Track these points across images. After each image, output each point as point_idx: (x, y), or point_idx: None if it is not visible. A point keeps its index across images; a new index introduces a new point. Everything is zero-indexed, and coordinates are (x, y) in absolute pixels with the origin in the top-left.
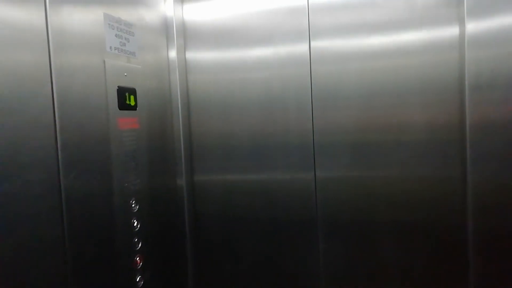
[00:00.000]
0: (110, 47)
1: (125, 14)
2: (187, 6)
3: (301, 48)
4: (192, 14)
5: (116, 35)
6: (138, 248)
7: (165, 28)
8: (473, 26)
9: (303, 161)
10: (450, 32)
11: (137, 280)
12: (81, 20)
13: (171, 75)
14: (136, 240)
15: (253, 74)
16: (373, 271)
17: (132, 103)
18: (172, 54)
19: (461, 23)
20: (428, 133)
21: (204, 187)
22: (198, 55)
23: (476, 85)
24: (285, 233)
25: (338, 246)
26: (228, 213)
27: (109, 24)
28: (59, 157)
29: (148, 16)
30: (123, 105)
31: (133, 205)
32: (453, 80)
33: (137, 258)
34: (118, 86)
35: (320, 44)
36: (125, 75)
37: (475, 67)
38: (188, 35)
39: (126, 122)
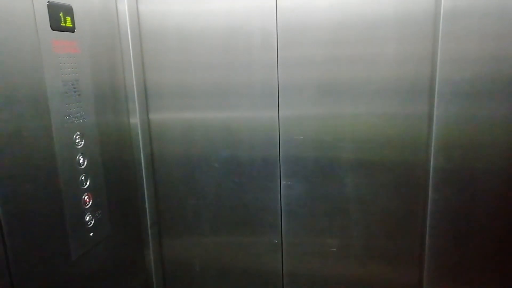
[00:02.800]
0: None
1: None
2: None
3: None
4: None
5: None
6: (85, 187)
7: None
8: None
9: (266, 99)
10: None
11: (87, 219)
12: None
13: (119, 4)
14: (83, 178)
15: (213, 5)
16: (332, 207)
17: (69, 23)
18: None
19: None
20: (397, 69)
21: (161, 125)
22: None
23: (452, 15)
24: (247, 170)
25: (299, 183)
26: (188, 151)
27: None
28: None
29: None
30: (56, 25)
31: (77, 141)
32: (427, 11)
33: (86, 197)
34: (48, 1)
35: None
36: None
37: None
38: None
39: (63, 45)
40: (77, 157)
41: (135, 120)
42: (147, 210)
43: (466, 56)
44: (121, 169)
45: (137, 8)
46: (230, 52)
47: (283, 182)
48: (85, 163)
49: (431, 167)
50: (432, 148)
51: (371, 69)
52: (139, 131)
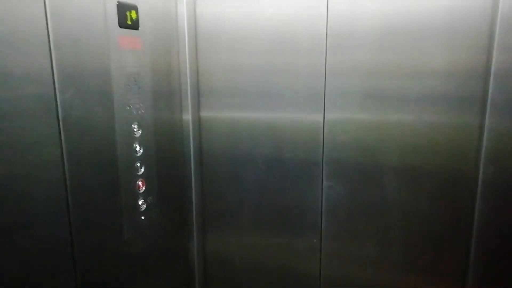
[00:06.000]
0: None
1: None
2: None
3: None
4: None
5: None
6: (140, 173)
7: None
8: None
9: (313, 102)
10: None
11: (140, 204)
12: None
13: (178, 6)
14: (138, 164)
15: (266, 8)
16: (374, 211)
17: (134, 22)
18: None
19: None
20: (448, 79)
21: (211, 123)
22: None
23: (508, 29)
24: (290, 170)
25: (341, 185)
26: (234, 149)
27: None
28: (54, 72)
29: None
30: (123, 23)
31: (135, 130)
32: (482, 23)
33: (139, 183)
34: (118, 1)
35: None
36: None
37: (509, 9)
38: None
39: (127, 41)
40: (134, 145)
41: (187, 116)
42: (194, 203)
43: None
44: (172, 160)
45: (195, 11)
46: (279, 55)
47: (325, 183)
48: (141, 151)
49: (480, 178)
50: (482, 158)
51: (419, 76)
52: (190, 127)
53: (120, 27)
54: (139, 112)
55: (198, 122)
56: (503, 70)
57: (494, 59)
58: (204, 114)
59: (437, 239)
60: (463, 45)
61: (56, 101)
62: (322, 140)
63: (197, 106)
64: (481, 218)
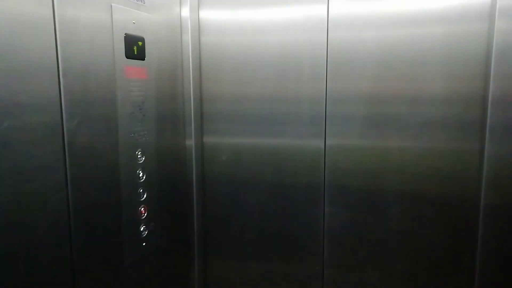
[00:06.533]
0: None
1: None
2: None
3: (318, 10)
4: None
5: None
6: (142, 199)
7: None
8: None
9: (314, 128)
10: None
11: (141, 230)
12: None
13: (183, 35)
14: (141, 190)
15: (268, 38)
16: (376, 238)
17: (140, 52)
18: (185, 12)
19: None
20: (446, 106)
21: (213, 148)
22: (212, 16)
23: (503, 58)
24: (292, 196)
25: (343, 212)
26: (236, 174)
27: None
28: (62, 101)
29: None
30: (130, 53)
31: (138, 156)
32: (478, 52)
33: (142, 209)
34: (125, 33)
35: (339, 6)
36: (133, 23)
37: (504, 38)
38: None
39: (134, 71)
40: (138, 171)
41: (191, 142)
42: (195, 229)
43: None
44: (174, 186)
45: (199, 40)
46: (281, 82)
47: (326, 209)
48: (144, 177)
49: (482, 204)
50: (483, 184)
51: (418, 103)
52: (193, 153)
53: (127, 57)
54: (143, 139)
55: (201, 148)
56: (499, 97)
57: (491, 87)
58: (207, 139)
59: (441, 266)
60: (461, 73)
61: (63, 129)
62: (323, 166)
63: (201, 132)
64: (484, 244)
